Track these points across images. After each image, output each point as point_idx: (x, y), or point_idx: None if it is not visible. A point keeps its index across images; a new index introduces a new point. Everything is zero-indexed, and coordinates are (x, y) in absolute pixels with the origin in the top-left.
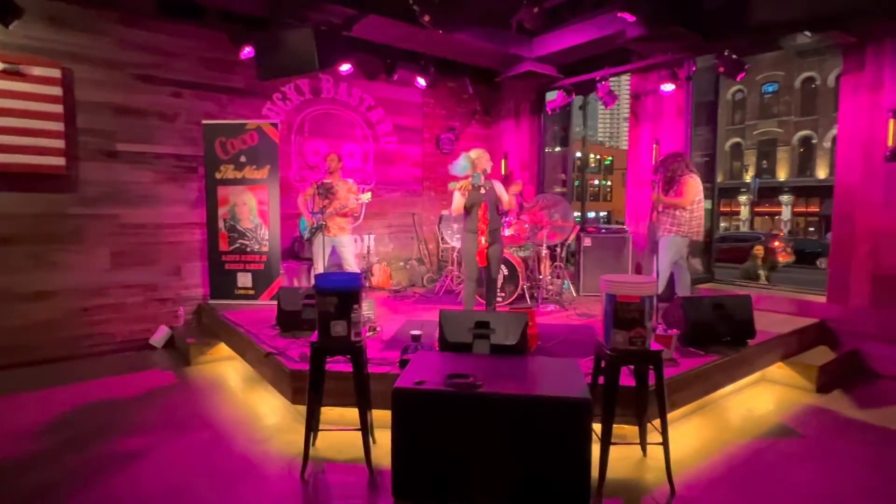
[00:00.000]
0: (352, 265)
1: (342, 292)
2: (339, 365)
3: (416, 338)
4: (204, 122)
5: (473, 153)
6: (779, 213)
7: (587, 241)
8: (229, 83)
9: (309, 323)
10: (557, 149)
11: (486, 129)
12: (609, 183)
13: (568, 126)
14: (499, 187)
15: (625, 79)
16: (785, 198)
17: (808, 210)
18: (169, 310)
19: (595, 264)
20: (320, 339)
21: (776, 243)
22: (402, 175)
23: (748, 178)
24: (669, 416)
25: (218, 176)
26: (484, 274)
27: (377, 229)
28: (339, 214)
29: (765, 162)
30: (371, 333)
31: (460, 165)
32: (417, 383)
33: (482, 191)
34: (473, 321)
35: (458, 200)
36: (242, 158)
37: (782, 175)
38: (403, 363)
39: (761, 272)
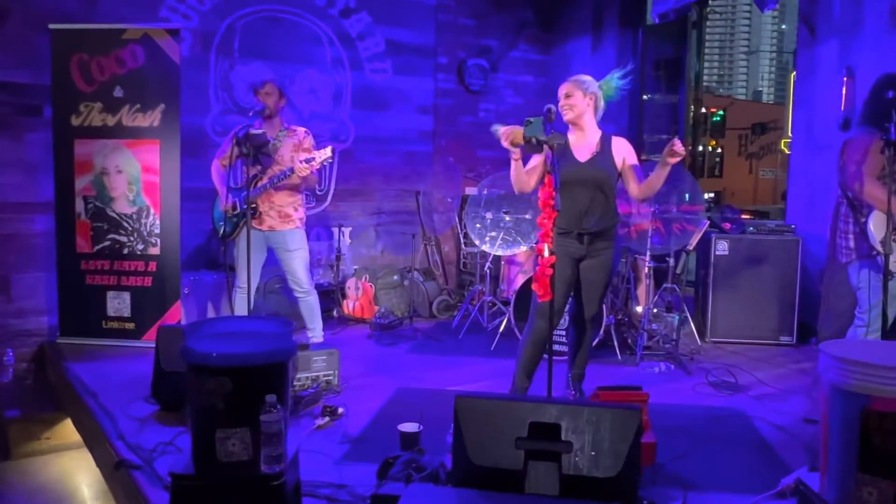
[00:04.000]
0: (302, 283)
1: (244, 366)
2: None
3: (408, 441)
4: (51, 26)
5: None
6: None
7: (721, 247)
8: None
9: None
10: (654, 96)
11: (544, 55)
12: (719, 150)
13: (682, 55)
14: (622, 148)
15: None
16: None
17: None
18: None
19: (733, 289)
20: (195, 466)
21: None
22: (401, 127)
23: None
24: None
25: (75, 122)
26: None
27: (355, 218)
28: (277, 189)
29: None
30: (325, 422)
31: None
32: None
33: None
34: (527, 421)
35: (514, 168)
36: (118, 92)
37: None
38: None
39: None
